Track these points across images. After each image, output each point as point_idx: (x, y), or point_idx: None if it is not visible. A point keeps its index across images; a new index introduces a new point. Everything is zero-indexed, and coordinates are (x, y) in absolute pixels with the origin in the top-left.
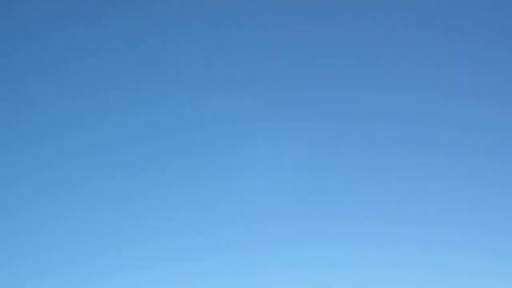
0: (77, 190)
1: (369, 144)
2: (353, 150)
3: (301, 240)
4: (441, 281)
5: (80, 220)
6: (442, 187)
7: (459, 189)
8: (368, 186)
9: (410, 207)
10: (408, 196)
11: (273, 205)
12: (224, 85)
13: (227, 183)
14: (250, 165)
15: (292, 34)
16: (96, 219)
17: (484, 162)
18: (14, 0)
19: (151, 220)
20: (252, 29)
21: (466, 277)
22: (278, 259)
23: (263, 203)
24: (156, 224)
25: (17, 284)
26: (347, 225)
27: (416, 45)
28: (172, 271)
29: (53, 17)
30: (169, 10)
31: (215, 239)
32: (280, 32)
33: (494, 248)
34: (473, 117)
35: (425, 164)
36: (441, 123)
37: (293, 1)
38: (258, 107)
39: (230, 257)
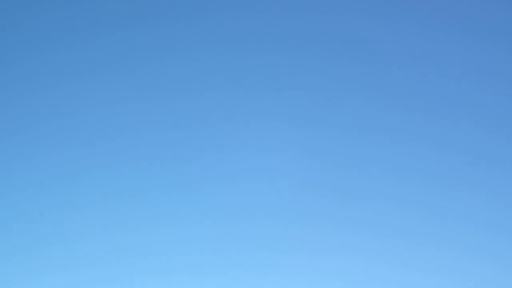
0: (70, 187)
1: (371, 142)
2: (354, 149)
3: (302, 242)
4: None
5: (73, 218)
6: (444, 187)
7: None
8: (371, 186)
9: (409, 207)
10: (409, 196)
11: (273, 203)
12: (225, 83)
13: (227, 184)
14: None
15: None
16: (93, 218)
17: (485, 161)
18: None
19: (146, 220)
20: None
21: (466, 278)
22: (278, 260)
23: (263, 201)
24: (152, 223)
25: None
26: (348, 227)
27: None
28: (171, 270)
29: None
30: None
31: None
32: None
33: (495, 249)
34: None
35: (426, 164)
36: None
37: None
38: (261, 106)
39: (229, 256)
